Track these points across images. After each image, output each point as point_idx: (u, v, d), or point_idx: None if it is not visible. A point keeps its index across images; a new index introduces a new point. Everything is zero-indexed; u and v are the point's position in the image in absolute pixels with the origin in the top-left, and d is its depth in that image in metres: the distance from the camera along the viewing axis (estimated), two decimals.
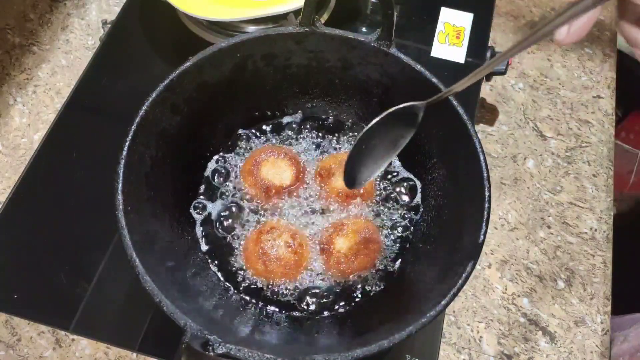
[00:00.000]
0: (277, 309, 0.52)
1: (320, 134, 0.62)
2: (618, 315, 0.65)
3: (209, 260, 0.54)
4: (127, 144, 0.45)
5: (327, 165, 0.57)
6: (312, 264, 0.54)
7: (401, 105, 0.45)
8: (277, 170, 0.56)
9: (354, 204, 0.56)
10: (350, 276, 0.53)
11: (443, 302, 0.41)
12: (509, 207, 0.68)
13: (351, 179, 0.48)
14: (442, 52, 0.75)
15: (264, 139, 0.61)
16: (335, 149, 0.61)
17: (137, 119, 0.46)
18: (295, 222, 0.56)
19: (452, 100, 0.49)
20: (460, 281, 0.42)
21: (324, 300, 0.53)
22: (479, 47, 0.74)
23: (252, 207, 0.57)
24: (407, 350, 0.57)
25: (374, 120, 0.45)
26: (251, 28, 0.70)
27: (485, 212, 0.44)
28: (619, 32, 0.36)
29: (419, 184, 0.58)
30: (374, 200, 0.58)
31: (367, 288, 0.53)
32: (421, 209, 0.57)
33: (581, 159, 0.72)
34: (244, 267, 0.54)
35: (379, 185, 0.59)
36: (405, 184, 0.59)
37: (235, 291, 0.53)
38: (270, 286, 0.53)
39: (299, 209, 0.56)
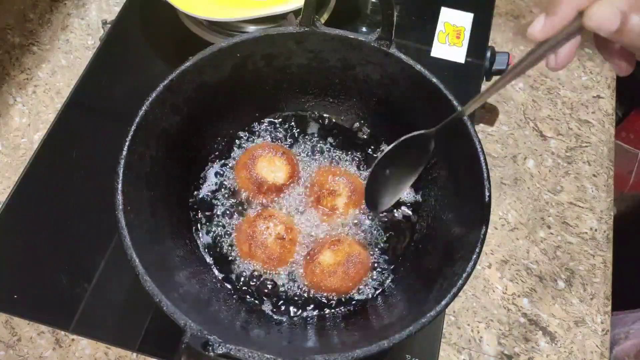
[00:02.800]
0: (277, 309, 0.52)
1: (320, 134, 0.62)
2: (618, 312, 0.65)
3: (209, 260, 0.54)
4: (127, 144, 0.45)
5: (322, 181, 0.56)
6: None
7: (412, 134, 0.47)
8: (271, 167, 0.56)
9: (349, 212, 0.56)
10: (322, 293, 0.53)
11: (443, 302, 0.41)
12: (509, 207, 0.68)
13: (373, 203, 0.52)
14: (442, 52, 0.75)
15: (264, 139, 0.61)
16: (335, 149, 0.61)
17: (137, 119, 0.46)
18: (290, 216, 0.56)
19: (452, 101, 0.49)
20: (460, 281, 0.42)
21: (325, 300, 0.53)
22: (479, 47, 0.74)
23: (252, 207, 0.57)
24: (407, 350, 0.57)
25: (388, 148, 0.49)
26: (251, 28, 0.70)
27: (485, 212, 0.44)
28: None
29: (419, 185, 0.58)
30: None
31: (368, 288, 0.53)
32: (421, 209, 0.57)
33: (581, 159, 0.72)
34: (244, 267, 0.54)
35: None
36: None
37: (236, 291, 0.53)
38: (270, 285, 0.53)
39: (292, 208, 0.56)
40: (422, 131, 0.47)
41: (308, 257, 0.53)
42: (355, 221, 0.56)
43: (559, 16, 0.32)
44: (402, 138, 0.48)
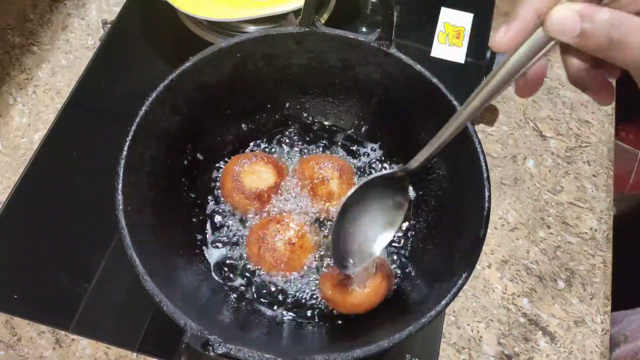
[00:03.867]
0: (277, 309, 0.52)
1: (320, 135, 0.62)
2: (617, 313, 0.65)
3: (210, 260, 0.54)
4: (127, 144, 0.45)
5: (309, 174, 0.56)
6: (313, 267, 0.54)
7: (379, 174, 0.42)
8: (257, 175, 0.55)
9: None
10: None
11: (443, 302, 0.41)
12: (509, 207, 0.68)
13: (341, 260, 0.43)
14: (442, 52, 0.75)
15: (263, 139, 0.61)
16: (333, 149, 0.61)
17: (137, 119, 0.46)
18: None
19: (452, 101, 0.49)
20: (460, 281, 0.42)
21: (325, 300, 0.53)
22: (479, 47, 0.74)
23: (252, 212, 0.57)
24: (407, 350, 0.57)
25: (350, 191, 0.41)
26: (251, 28, 0.70)
27: (485, 212, 0.44)
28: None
29: (417, 185, 0.58)
30: None
31: None
32: (421, 209, 0.57)
33: (581, 159, 0.72)
34: (245, 267, 0.54)
35: None
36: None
37: (236, 291, 0.53)
38: (271, 286, 0.53)
39: (295, 206, 0.56)
40: (391, 171, 0.42)
41: (335, 287, 0.49)
42: None
43: (519, 20, 0.30)
44: (367, 179, 0.41)
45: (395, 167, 0.42)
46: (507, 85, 0.31)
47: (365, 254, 0.44)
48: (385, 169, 0.60)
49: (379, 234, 0.44)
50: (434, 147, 0.38)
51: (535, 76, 0.32)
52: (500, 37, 0.30)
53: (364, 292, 0.47)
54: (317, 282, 0.53)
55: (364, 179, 0.42)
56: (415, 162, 0.40)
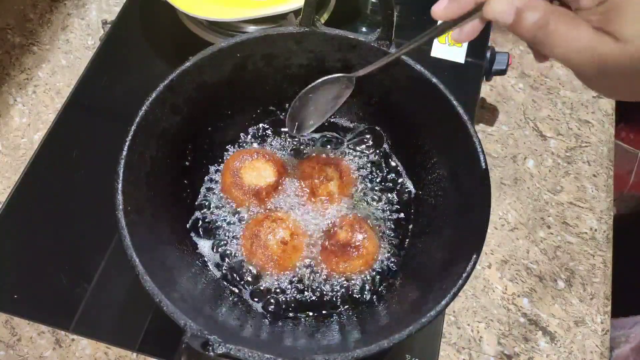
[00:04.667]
0: (277, 309, 0.52)
1: (319, 135, 0.62)
2: (618, 318, 0.66)
3: (209, 260, 0.54)
4: (127, 144, 0.45)
5: (308, 171, 0.57)
6: (310, 262, 0.54)
7: (334, 76, 0.51)
8: (258, 172, 0.56)
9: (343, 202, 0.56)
10: (348, 275, 0.53)
11: (443, 302, 0.41)
12: (509, 207, 0.68)
13: (294, 127, 0.54)
14: (442, 52, 0.75)
15: (263, 139, 0.61)
16: (334, 149, 0.61)
17: (137, 119, 0.46)
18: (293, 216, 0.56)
19: (452, 101, 0.49)
20: (460, 281, 0.42)
21: (325, 300, 0.53)
22: (478, 47, 0.74)
23: (250, 210, 0.57)
24: (407, 350, 0.57)
25: (311, 85, 0.52)
26: (251, 28, 0.70)
27: (485, 212, 0.44)
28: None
29: (417, 185, 0.58)
30: (375, 200, 0.58)
31: (367, 288, 0.53)
32: (421, 209, 0.57)
33: (581, 159, 0.72)
34: (244, 268, 0.54)
35: (380, 184, 0.59)
36: (405, 183, 0.59)
37: (236, 291, 0.53)
38: (270, 286, 0.53)
39: (294, 205, 0.56)
40: (341, 75, 0.51)
41: (322, 251, 0.53)
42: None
43: (459, 4, 0.37)
44: (324, 78, 0.51)
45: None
46: (446, 32, 0.40)
47: (313, 123, 0.54)
48: (385, 168, 0.60)
49: (324, 111, 0.54)
50: (378, 64, 0.48)
51: (471, 30, 0.38)
52: (439, 8, 0.38)
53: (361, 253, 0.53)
54: (316, 281, 0.53)
55: (322, 78, 0.52)
56: (361, 72, 0.50)
